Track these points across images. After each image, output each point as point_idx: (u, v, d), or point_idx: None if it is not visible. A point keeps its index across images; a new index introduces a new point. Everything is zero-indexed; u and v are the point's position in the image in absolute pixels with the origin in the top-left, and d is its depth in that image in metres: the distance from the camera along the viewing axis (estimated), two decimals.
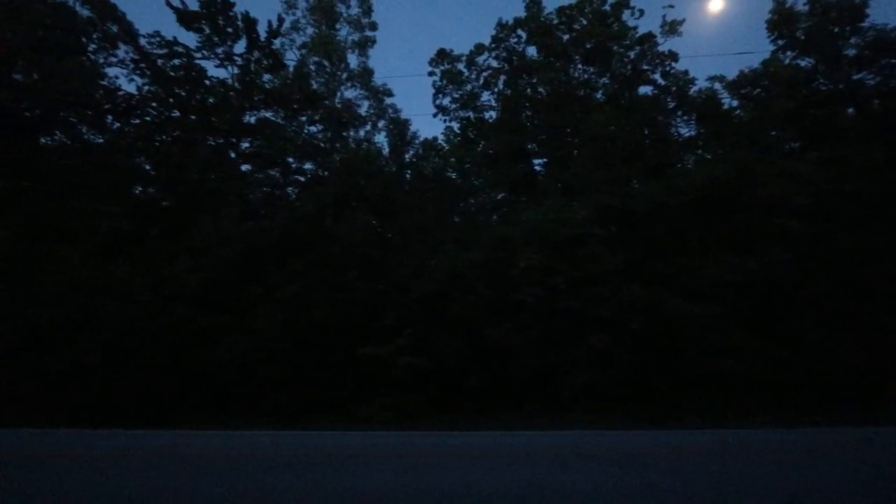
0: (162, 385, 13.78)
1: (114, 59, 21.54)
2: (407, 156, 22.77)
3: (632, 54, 22.08)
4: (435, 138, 23.52)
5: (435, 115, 23.21)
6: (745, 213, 15.98)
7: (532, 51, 22.83)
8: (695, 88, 21.47)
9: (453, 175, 21.97)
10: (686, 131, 21.12)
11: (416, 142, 23.24)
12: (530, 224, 15.75)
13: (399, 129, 23.54)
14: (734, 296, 14.78)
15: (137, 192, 20.53)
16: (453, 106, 23.50)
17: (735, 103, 20.80)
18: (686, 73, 21.95)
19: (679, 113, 21.18)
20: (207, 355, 14.06)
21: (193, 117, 20.38)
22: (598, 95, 22.07)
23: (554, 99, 20.94)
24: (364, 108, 24.84)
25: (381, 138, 24.66)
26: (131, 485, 5.39)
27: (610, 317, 14.46)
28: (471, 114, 23.52)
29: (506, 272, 15.92)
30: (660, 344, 14.80)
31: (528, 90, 22.46)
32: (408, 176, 21.75)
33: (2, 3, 19.00)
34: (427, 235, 17.92)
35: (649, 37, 21.96)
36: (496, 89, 23.39)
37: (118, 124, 21.84)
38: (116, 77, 21.36)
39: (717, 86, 21.12)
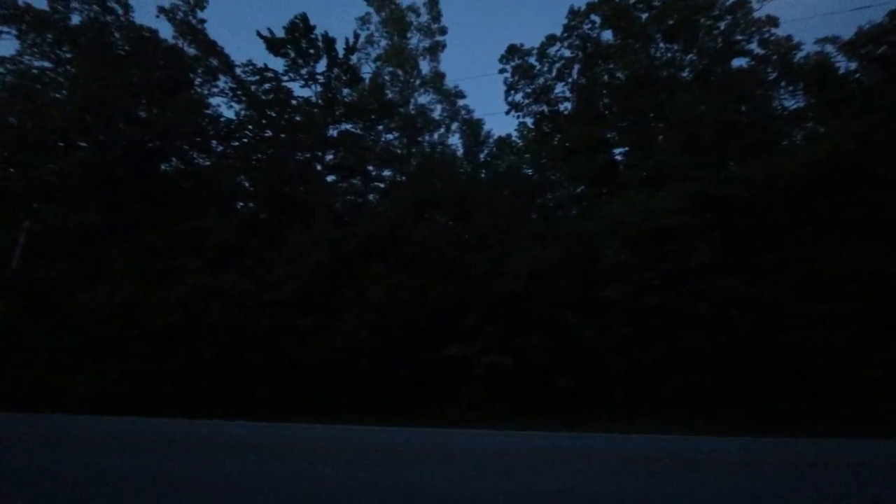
0: (268, 381, 15.11)
1: (215, 90, 24.06)
2: (481, 156, 22.81)
3: (722, 25, 20.19)
4: (508, 136, 23.35)
5: (507, 113, 23.00)
6: (868, 192, 13.92)
7: (608, 35, 21.79)
8: (801, 55, 19.13)
9: (529, 171, 21.62)
10: (792, 103, 18.88)
11: (490, 141, 23.20)
12: (613, 217, 15.03)
13: (472, 129, 23.65)
14: (855, 290, 12.92)
15: (239, 207, 22.74)
16: (526, 101, 23.12)
17: (853, 66, 18.21)
18: (789, 38, 19.63)
19: (782, 84, 19.00)
20: (303, 355, 15.16)
21: (283, 135, 22.14)
22: (684, 74, 20.48)
23: (634, 83, 19.78)
24: (437, 112, 25.32)
25: (455, 140, 25.02)
26: (250, 470, 5.99)
27: (706, 314, 13.37)
28: (544, 107, 22.99)
29: (589, 268, 15.36)
30: (764, 344, 13.40)
31: (605, 77, 21.45)
32: (483, 176, 21.78)
33: (127, 51, 22.00)
34: (504, 234, 17.82)
35: (742, 4, 19.94)
36: (570, 80, 22.64)
37: (221, 147, 24.38)
38: (218, 105, 23.82)
39: (830, 48, 18.63)
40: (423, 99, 25.56)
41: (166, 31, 22.72)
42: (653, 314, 14.08)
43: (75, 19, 22.03)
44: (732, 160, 16.88)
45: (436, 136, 24.98)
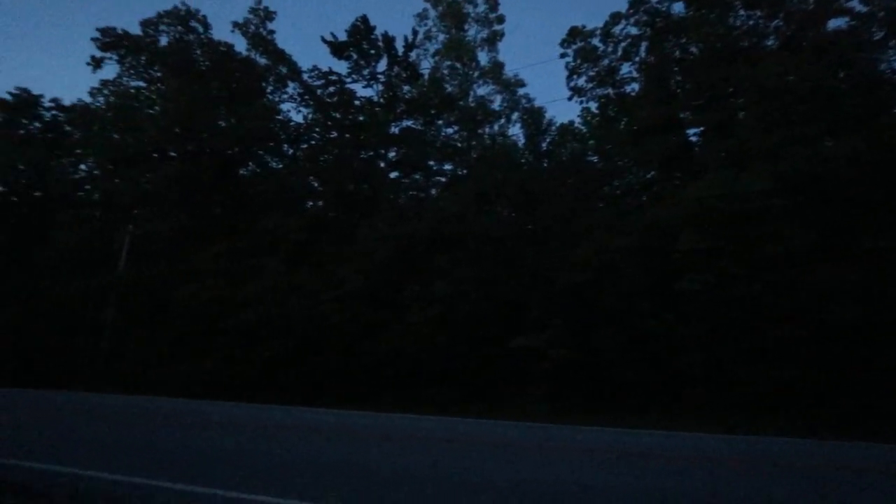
0: (340, 372, 15.85)
1: (285, 96, 25.46)
2: (543, 144, 22.26)
3: None
4: (571, 122, 22.58)
5: (570, 98, 22.20)
6: None
7: (678, 7, 20.29)
8: None
9: (594, 158, 20.78)
10: None
11: (552, 129, 22.57)
12: (690, 202, 14.07)
13: (533, 118, 23.13)
14: None
15: (309, 206, 23.95)
16: (589, 85, 22.19)
17: None
18: None
19: (890, 45, 16.69)
20: (372, 347, 15.71)
21: (348, 135, 22.97)
22: (769, 43, 18.61)
23: (710, 56, 18.29)
24: (497, 103, 25.05)
25: (515, 130, 24.63)
26: (325, 453, 6.33)
27: (798, 305, 12.15)
28: (610, 90, 21.93)
29: (664, 257, 14.51)
30: (868, 337, 11.93)
31: (677, 52, 20.02)
32: (545, 165, 21.26)
33: (207, 66, 23.76)
34: (569, 224, 17.30)
35: None
36: (637, 59, 21.39)
37: (291, 150, 25.78)
38: (288, 110, 25.24)
39: None
40: (482, 90, 25.40)
41: (240, 45, 24.35)
42: (735, 306, 13.04)
43: (163, 41, 24.21)
44: (829, 134, 15.14)
45: (496, 127, 24.75)
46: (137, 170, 22.69)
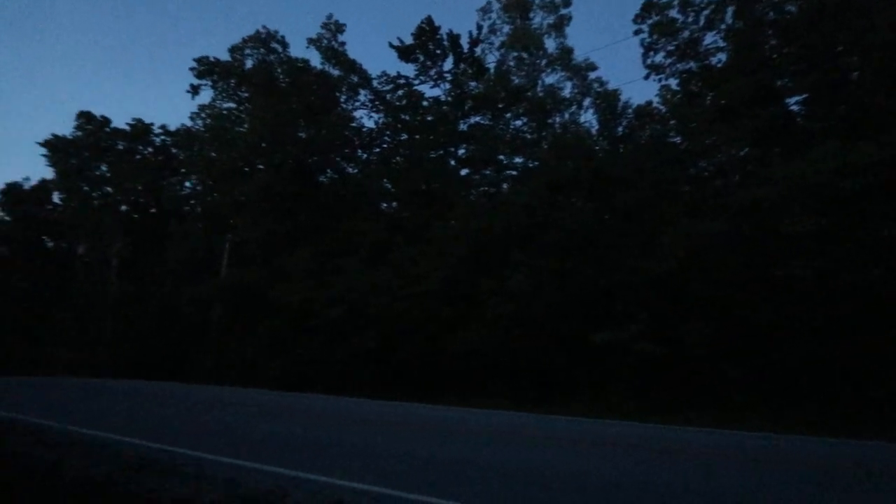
0: (420, 367, 16.27)
1: (357, 103, 26.57)
2: (619, 129, 21.16)
3: None
4: (649, 103, 21.18)
5: (647, 77, 20.84)
6: None
7: None
8: None
9: (676, 140, 19.36)
10: None
11: (628, 112, 21.37)
12: (794, 179, 12.63)
13: (607, 102, 22.07)
14: None
15: (384, 207, 24.82)
16: (668, 61, 20.67)
17: None
18: None
19: None
20: (450, 343, 15.94)
21: (417, 136, 23.47)
22: None
23: (812, 13, 16.25)
24: (567, 90, 24.21)
25: (588, 117, 23.62)
26: (407, 444, 6.53)
27: None
28: (692, 64, 20.27)
29: (762, 242, 13.19)
30: None
31: (771, 13, 18.03)
32: (622, 150, 20.20)
33: (287, 82, 25.44)
34: (652, 211, 16.29)
35: None
36: (723, 26, 19.56)
37: (365, 155, 26.90)
38: (361, 117, 26.25)
39: None
40: (551, 79, 24.69)
41: (315, 59, 25.76)
42: (849, 295, 11.51)
43: (249, 63, 26.32)
44: None
45: (566, 115, 23.94)
46: (232, 183, 24.93)
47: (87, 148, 32.74)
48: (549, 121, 23.39)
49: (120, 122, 33.49)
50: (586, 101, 23.85)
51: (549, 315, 15.07)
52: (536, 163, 20.87)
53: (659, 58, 20.65)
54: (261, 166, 25.02)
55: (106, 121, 33.20)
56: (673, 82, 20.75)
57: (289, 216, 23.01)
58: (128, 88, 65.36)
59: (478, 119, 22.13)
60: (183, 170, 31.66)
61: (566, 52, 24.39)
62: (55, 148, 32.24)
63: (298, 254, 20.15)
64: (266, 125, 23.77)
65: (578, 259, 16.10)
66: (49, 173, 33.45)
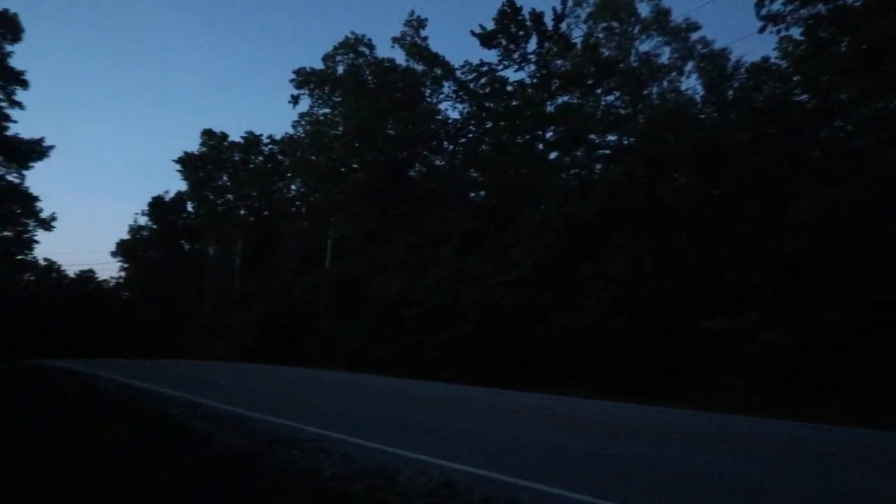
0: (515, 355, 16.15)
1: (441, 96, 26.87)
2: (729, 92, 18.94)
3: None
4: (765, 59, 18.60)
5: (762, 30, 18.30)
6: None
7: None
8: None
9: (803, 97, 16.83)
10: None
11: (740, 73, 19.00)
12: None
13: (714, 64, 19.83)
14: None
15: (472, 196, 24.90)
16: (789, 8, 17.95)
17: None
18: None
19: None
20: (546, 331, 15.57)
21: (502, 123, 23.13)
22: None
23: None
24: (665, 56, 22.14)
25: (691, 82, 21.43)
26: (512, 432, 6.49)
27: None
28: (820, 7, 17.40)
29: None
30: None
31: None
32: (733, 116, 18.08)
33: (375, 83, 26.49)
34: (773, 181, 14.38)
35: None
36: None
37: (451, 147, 27.16)
38: (445, 109, 26.52)
39: None
40: (645, 46, 22.75)
41: (400, 57, 26.47)
42: None
43: (340, 69, 27.85)
44: None
45: (665, 83, 21.95)
46: (330, 184, 26.70)
47: (210, 161, 37.18)
48: (645, 92, 21.64)
49: (235, 135, 37.48)
50: (688, 66, 21.66)
51: (654, 300, 14.05)
52: (632, 139, 19.49)
53: (777, 5, 18.01)
54: (355, 166, 26.44)
55: (224, 136, 37.39)
56: (796, 32, 17.98)
57: (383, 211, 24.09)
58: (241, 105, 73.09)
59: (565, 99, 21.20)
60: (288, 174, 34.63)
61: (662, 15, 22.29)
62: (186, 163, 37.07)
63: (393, 246, 21.02)
64: (358, 126, 25.02)
65: (684, 239, 14.78)
66: (183, 186, 38.61)
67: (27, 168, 26.66)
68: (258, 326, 26.61)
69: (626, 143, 20.12)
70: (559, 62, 21.30)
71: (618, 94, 21.93)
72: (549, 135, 21.49)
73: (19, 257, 29.72)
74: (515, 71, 21.99)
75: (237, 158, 37.32)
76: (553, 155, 21.67)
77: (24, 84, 25.81)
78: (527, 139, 22.29)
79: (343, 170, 26.70)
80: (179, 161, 37.06)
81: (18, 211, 27.18)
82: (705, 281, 14.00)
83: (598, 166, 20.45)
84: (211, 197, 37.74)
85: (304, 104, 28.90)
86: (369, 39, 27.64)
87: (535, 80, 21.37)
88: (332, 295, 24.34)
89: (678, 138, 17.24)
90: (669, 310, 14.14)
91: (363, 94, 25.82)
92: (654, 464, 5.11)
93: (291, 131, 31.80)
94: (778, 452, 5.98)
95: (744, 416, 9.23)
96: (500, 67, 22.11)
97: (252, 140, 37.03)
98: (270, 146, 36.92)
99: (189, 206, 39.89)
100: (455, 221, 19.84)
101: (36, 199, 27.47)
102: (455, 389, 12.43)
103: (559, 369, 15.22)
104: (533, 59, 21.17)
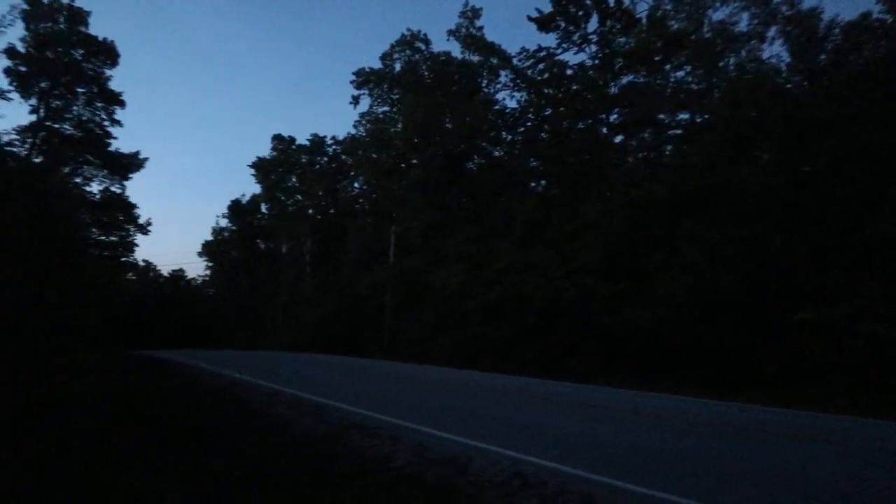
0: (583, 346, 15.67)
1: (498, 85, 26.49)
2: (822, 56, 17.01)
3: None
4: (865, 16, 16.46)
5: None
6: None
7: None
8: None
9: None
10: None
11: (834, 33, 16.98)
12: None
13: (802, 26, 17.86)
14: None
15: (533, 186, 24.38)
16: None
17: None
18: None
19: None
20: (614, 322, 14.94)
21: (562, 109, 22.34)
22: None
23: None
24: (743, 23, 20.22)
25: (775, 49, 19.44)
26: (571, 424, 6.30)
27: None
28: None
29: None
30: None
31: None
32: (827, 84, 16.24)
33: (432, 78, 26.64)
34: (872, 156, 12.75)
35: None
36: None
37: (510, 137, 26.72)
38: (503, 98, 26.09)
39: None
40: (719, 14, 20.92)
41: (455, 49, 26.49)
42: None
43: (397, 66, 28.29)
44: None
45: (743, 53, 20.10)
46: (391, 180, 27.28)
47: (280, 164, 39.38)
48: (721, 64, 19.97)
49: (302, 138, 39.38)
50: (770, 32, 19.66)
51: (733, 290, 13.03)
52: (707, 116, 18.12)
53: None
54: (414, 161, 26.81)
55: (292, 140, 39.42)
56: None
57: (443, 204, 24.26)
58: (307, 109, 76.70)
59: (630, 79, 20.06)
60: (352, 173, 35.87)
61: None
62: (259, 168, 39.53)
63: (454, 239, 21.13)
64: (416, 122, 25.32)
65: (769, 224, 13.53)
66: (257, 189, 41.23)
67: (127, 179, 29.72)
68: (327, 319, 27.93)
69: (699, 121, 18.73)
70: (623, 40, 20.16)
71: (689, 68, 20.42)
72: (613, 118, 20.48)
73: (123, 259, 33.24)
74: (575, 53, 21.13)
75: (304, 160, 39.21)
76: (618, 139, 20.65)
77: (122, 104, 28.74)
78: (589, 124, 21.40)
79: (403, 166, 27.17)
80: (253, 166, 39.59)
81: (121, 218, 30.36)
82: (794, 269, 12.75)
83: (669, 148, 19.21)
84: (282, 198, 39.99)
85: (365, 104, 29.73)
86: (425, 35, 27.83)
87: (596, 62, 20.40)
88: (395, 288, 24.98)
89: (761, 112, 15.78)
90: (752, 301, 13.05)
91: (420, 89, 26.06)
92: (732, 461, 4.77)
93: (353, 131, 32.86)
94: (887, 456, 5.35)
95: (837, 415, 8.34)
96: (559, 51, 21.34)
97: (317, 142, 38.73)
98: (334, 147, 38.43)
99: (263, 208, 42.54)
100: (516, 212, 19.56)
101: (134, 206, 30.55)
102: (521, 381, 12.32)
103: (627, 363, 14.58)
104: (594, 40, 20.19)
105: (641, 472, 4.34)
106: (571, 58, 21.54)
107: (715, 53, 19.62)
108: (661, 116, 19.32)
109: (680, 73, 20.30)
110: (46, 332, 7.40)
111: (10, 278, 5.80)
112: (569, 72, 22.03)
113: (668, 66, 19.86)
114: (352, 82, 28.97)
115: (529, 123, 25.05)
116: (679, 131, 19.02)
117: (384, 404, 7.65)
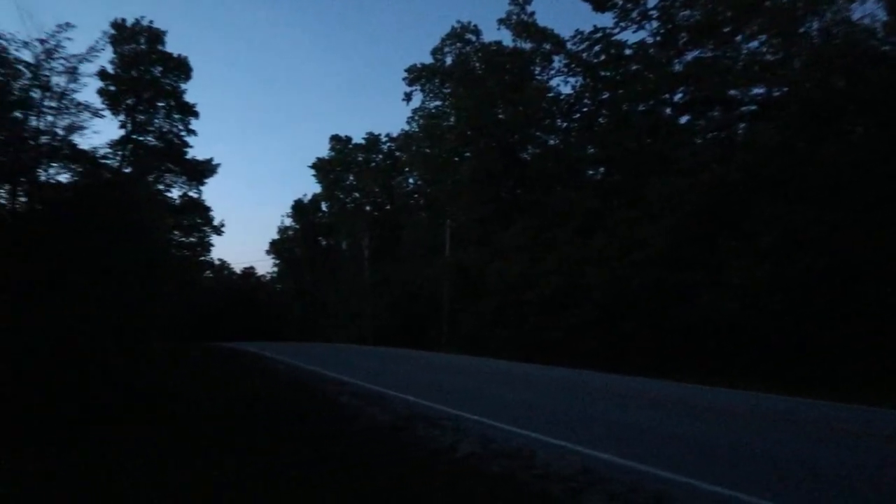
0: (650, 339, 14.97)
1: (552, 71, 25.72)
2: None
3: None
4: None
5: None
6: None
7: None
8: None
9: None
10: None
11: None
12: None
13: None
14: None
15: (591, 174, 23.54)
16: None
17: None
18: None
19: None
20: (683, 313, 14.12)
21: (621, 91, 21.32)
22: None
23: None
24: None
25: (868, 7, 17.34)
26: (633, 418, 6.01)
27: None
28: None
29: None
30: None
31: None
32: None
33: (483, 69, 26.37)
34: None
35: None
36: None
37: (565, 124, 25.92)
38: (557, 85, 25.32)
39: None
40: None
41: (507, 38, 25.98)
42: None
43: (448, 60, 28.27)
44: None
45: (827, 16, 18.10)
46: (445, 174, 27.39)
47: (338, 164, 40.76)
48: (802, 30, 18.15)
49: (358, 137, 40.50)
50: None
51: (823, 277, 11.87)
52: (786, 89, 16.57)
53: None
54: (468, 154, 26.73)
55: (348, 139, 40.66)
56: None
57: (498, 196, 24.05)
58: (362, 108, 78.83)
59: (696, 54, 18.74)
60: (406, 169, 36.42)
61: None
62: (319, 168, 41.16)
63: (510, 231, 20.89)
64: (468, 114, 25.21)
65: (865, 204, 12.17)
66: (318, 188, 42.97)
67: (203, 184, 32.03)
68: (386, 312, 28.66)
69: (777, 94, 17.16)
70: (687, 13, 18.86)
71: (764, 38, 18.72)
72: (677, 97, 19.29)
73: (201, 258, 35.97)
74: (634, 32, 20.07)
75: (360, 159, 40.32)
76: (684, 119, 19.41)
77: (196, 114, 30.97)
78: (650, 105, 20.29)
79: (457, 159, 27.18)
80: (314, 166, 41.28)
81: (199, 220, 32.82)
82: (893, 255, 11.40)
83: (742, 125, 17.79)
84: (340, 196, 41.41)
85: (417, 100, 30.01)
86: (475, 26, 27.58)
87: (657, 39, 19.26)
88: (452, 281, 25.13)
89: (851, 81, 14.20)
90: (845, 288, 11.82)
91: (471, 81, 25.88)
92: (820, 464, 4.35)
93: (406, 128, 33.28)
94: None
95: None
96: (616, 31, 20.38)
97: (372, 140, 39.68)
98: (388, 144, 39.19)
99: (323, 206, 44.30)
100: (574, 201, 18.99)
101: (209, 209, 32.90)
102: (583, 374, 11.99)
103: (698, 356, 13.75)
104: (655, 15, 19.07)
105: (716, 471, 4.08)
106: (630, 37, 20.53)
107: (794, 19, 17.82)
108: (733, 92, 17.91)
109: (753, 44, 18.66)
110: (143, 328, 8.17)
111: (112, 281, 6.48)
112: (627, 52, 21.01)
113: (738, 38, 18.35)
114: (404, 79, 29.37)
115: (586, 109, 24.17)
116: (753, 107, 17.55)
117: (445, 396, 7.73)
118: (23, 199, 7.18)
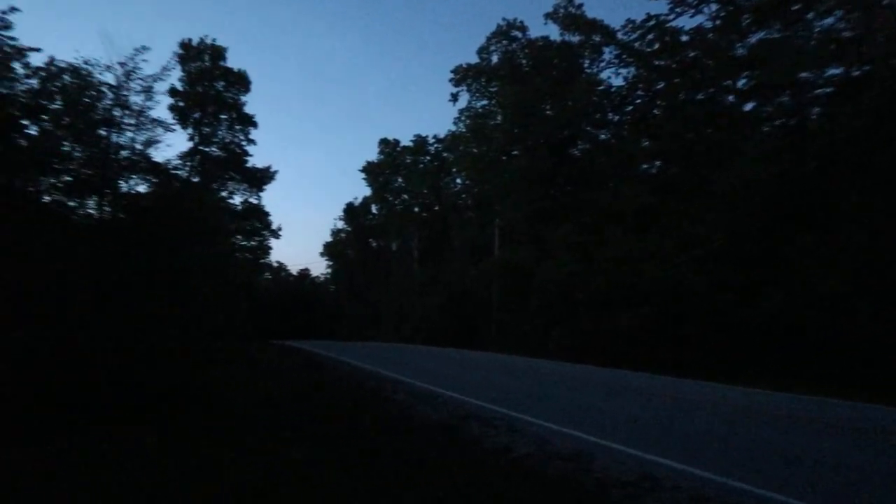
0: (713, 342, 14.13)
1: (602, 64, 24.90)
2: None
3: None
4: None
5: None
6: None
7: None
8: None
9: None
10: None
11: None
12: None
13: None
14: None
15: (645, 168, 22.54)
16: None
17: None
18: None
19: None
20: (749, 313, 13.21)
21: (677, 80, 20.27)
22: None
23: None
24: None
25: None
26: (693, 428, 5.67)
27: None
28: None
29: None
30: None
31: None
32: None
33: (530, 65, 25.99)
34: None
35: None
36: None
37: (617, 117, 25.01)
38: (608, 77, 24.47)
39: None
40: None
41: (554, 32, 25.47)
42: None
43: (494, 58, 28.08)
44: None
45: None
46: (494, 173, 27.22)
47: (387, 167, 41.60)
48: (885, 2, 16.48)
49: (406, 140, 41.14)
50: None
51: None
52: (866, 68, 15.12)
53: None
54: (516, 152, 26.43)
55: (397, 142, 41.39)
56: None
57: (548, 194, 23.61)
58: (410, 110, 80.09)
59: (761, 36, 17.46)
60: (454, 169, 36.56)
61: None
62: (369, 171, 42.20)
63: (561, 229, 20.45)
64: (516, 112, 24.93)
65: None
66: (368, 191, 44.06)
67: (262, 190, 33.77)
68: (436, 312, 28.90)
69: (856, 74, 15.67)
70: None
71: (839, 13, 17.15)
72: (740, 83, 18.08)
73: (261, 261, 37.94)
74: (691, 17, 19.03)
75: (408, 161, 40.93)
76: (749, 106, 18.17)
77: (255, 125, 32.73)
78: (710, 93, 19.17)
79: (505, 158, 26.95)
80: (364, 170, 42.38)
81: (259, 225, 34.64)
82: None
83: (816, 111, 16.42)
84: (390, 198, 42.23)
85: (463, 100, 30.03)
86: (521, 22, 27.24)
87: (717, 23, 18.16)
88: (501, 281, 24.95)
89: None
90: None
91: (518, 78, 25.57)
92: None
93: (453, 128, 33.39)
94: None
95: None
96: (671, 17, 19.42)
97: (420, 142, 40.17)
98: (436, 145, 39.50)
99: (374, 209, 45.38)
100: (627, 197, 18.29)
101: (268, 214, 34.62)
102: (641, 378, 11.53)
103: (768, 361, 12.80)
104: None
105: (789, 481, 3.80)
106: (686, 22, 19.54)
107: None
108: (804, 75, 16.54)
109: (828, 21, 17.14)
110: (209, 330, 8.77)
111: (184, 281, 7.00)
112: (684, 38, 19.94)
113: (810, 15, 16.92)
114: (450, 80, 29.47)
115: (639, 101, 23.19)
116: (829, 90, 16.12)
117: (497, 396, 7.69)
118: (107, 209, 7.91)
